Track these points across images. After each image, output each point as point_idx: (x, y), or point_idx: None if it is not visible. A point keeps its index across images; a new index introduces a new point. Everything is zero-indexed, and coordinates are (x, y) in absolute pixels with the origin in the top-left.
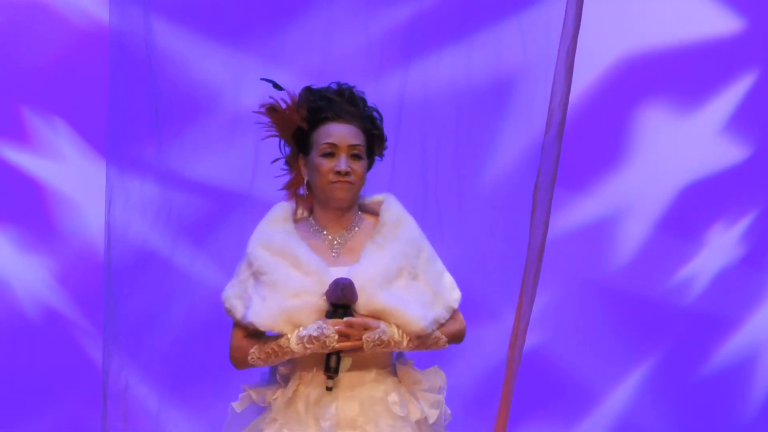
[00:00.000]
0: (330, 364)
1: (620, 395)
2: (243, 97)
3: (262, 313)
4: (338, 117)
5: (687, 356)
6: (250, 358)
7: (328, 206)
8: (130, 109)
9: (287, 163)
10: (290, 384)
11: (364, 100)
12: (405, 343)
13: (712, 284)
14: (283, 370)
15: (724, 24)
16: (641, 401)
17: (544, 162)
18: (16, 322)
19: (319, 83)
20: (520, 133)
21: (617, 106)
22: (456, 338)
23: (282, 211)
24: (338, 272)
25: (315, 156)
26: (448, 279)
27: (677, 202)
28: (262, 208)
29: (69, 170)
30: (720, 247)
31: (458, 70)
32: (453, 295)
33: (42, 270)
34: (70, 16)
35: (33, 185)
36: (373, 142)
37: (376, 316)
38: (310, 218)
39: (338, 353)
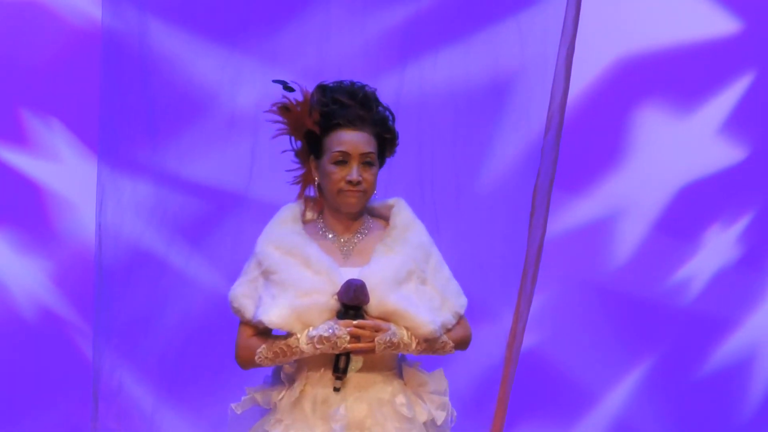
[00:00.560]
0: (339, 365)
1: (618, 396)
2: (239, 98)
3: (272, 312)
4: (350, 124)
5: (684, 357)
6: (257, 357)
7: (338, 211)
8: (123, 108)
9: (297, 155)
10: (297, 384)
11: (377, 101)
12: (414, 345)
13: (709, 285)
14: (289, 369)
15: (721, 25)
16: (639, 402)
17: (544, 164)
18: (12, 322)
19: (318, 83)
20: (518, 134)
21: (615, 107)
22: (462, 344)
23: (291, 212)
24: (349, 273)
25: (326, 162)
26: (455, 285)
27: (675, 202)
28: (259, 209)
29: (65, 171)
30: (717, 247)
31: (456, 71)
32: (460, 301)
33: (38, 271)
34: (66, 15)
35: (29, 186)
36: (385, 146)
37: (387, 317)
38: (319, 220)
39: (348, 354)
